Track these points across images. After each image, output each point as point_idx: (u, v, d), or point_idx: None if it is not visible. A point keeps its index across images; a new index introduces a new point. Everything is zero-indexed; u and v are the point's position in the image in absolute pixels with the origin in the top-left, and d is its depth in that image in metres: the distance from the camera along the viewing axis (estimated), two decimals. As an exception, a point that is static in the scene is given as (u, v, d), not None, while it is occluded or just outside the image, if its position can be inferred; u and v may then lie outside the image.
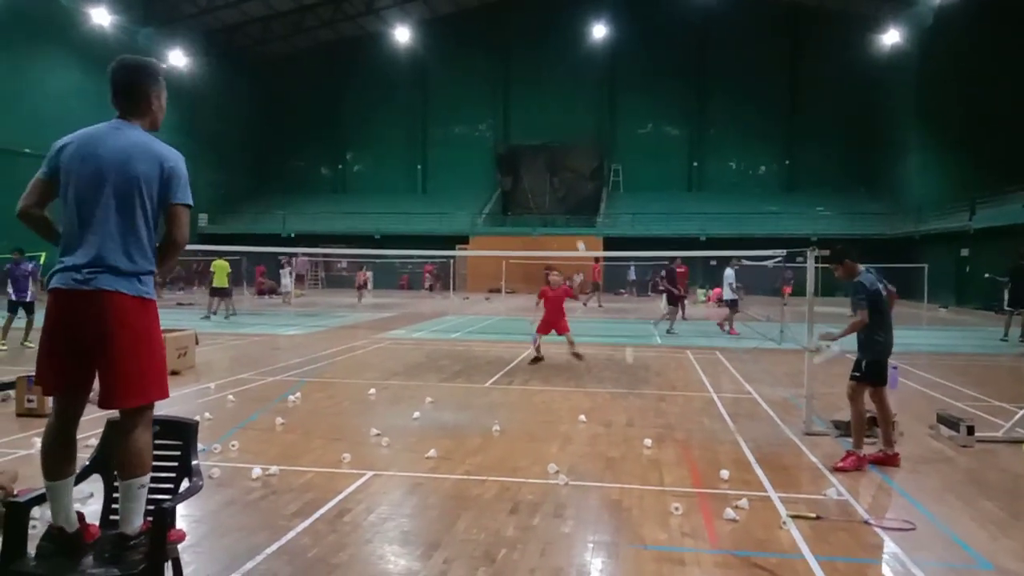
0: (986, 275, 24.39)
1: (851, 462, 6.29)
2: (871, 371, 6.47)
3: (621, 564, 4.30)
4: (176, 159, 3.19)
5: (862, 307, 6.39)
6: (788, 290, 26.22)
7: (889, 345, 6.56)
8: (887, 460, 6.46)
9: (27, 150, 28.48)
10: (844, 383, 7.70)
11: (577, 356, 11.57)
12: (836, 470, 6.21)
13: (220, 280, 20.65)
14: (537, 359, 11.69)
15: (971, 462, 6.66)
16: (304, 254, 35.67)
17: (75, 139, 3.13)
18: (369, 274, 33.88)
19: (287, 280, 29.34)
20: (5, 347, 12.98)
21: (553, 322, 11.62)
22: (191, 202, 3.24)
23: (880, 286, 6.51)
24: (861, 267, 6.64)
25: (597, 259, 32.04)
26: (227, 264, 20.94)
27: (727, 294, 18.68)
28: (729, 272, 18.65)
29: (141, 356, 3.02)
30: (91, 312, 2.96)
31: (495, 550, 4.43)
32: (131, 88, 3.22)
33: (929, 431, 7.73)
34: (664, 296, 19.85)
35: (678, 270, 23.22)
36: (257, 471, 5.76)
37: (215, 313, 20.79)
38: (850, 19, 41.11)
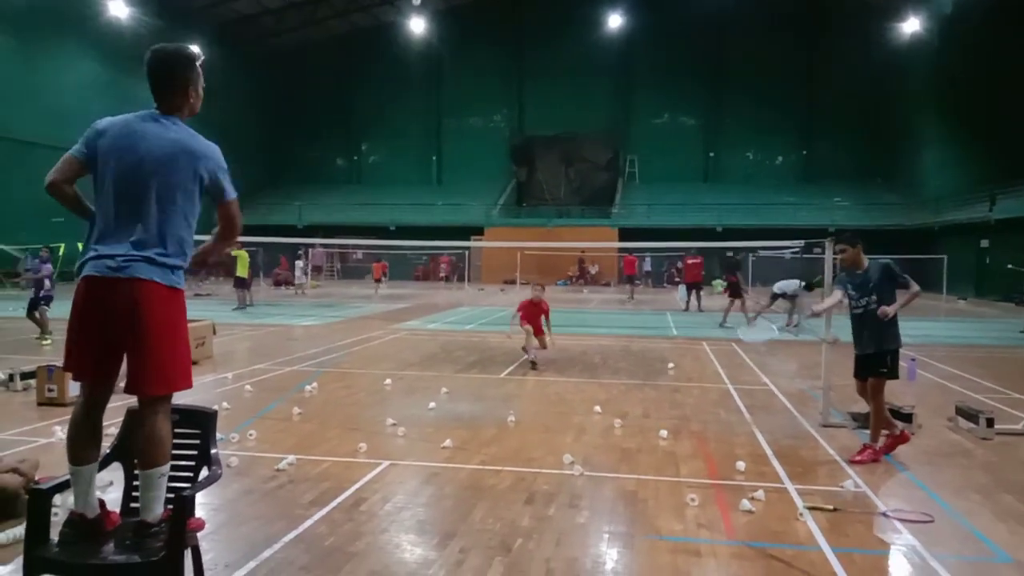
0: (1008, 266, 24.12)
1: (867, 455, 6.25)
2: (896, 364, 6.38)
3: (636, 555, 4.30)
4: (216, 157, 3.24)
5: (910, 279, 6.27)
6: None
7: None
8: (898, 441, 6.40)
9: (45, 142, 28.74)
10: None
11: (533, 364, 11.21)
12: (852, 463, 6.17)
13: (242, 270, 20.89)
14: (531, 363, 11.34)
15: (990, 455, 6.59)
16: (320, 245, 35.79)
17: (115, 127, 3.14)
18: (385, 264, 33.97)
19: (300, 272, 29.60)
20: (48, 342, 13.02)
21: (533, 324, 11.43)
22: (235, 196, 3.34)
23: None
24: (867, 260, 6.52)
25: (631, 252, 31.65)
26: (247, 255, 21.15)
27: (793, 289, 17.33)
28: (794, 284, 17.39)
29: (170, 345, 3.07)
30: (124, 299, 2.99)
31: (511, 540, 4.44)
32: (168, 80, 3.21)
33: (948, 423, 7.66)
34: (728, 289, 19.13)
35: (690, 261, 23.13)
36: (284, 464, 5.80)
37: (250, 304, 21.09)
38: (867, 8, 40.67)
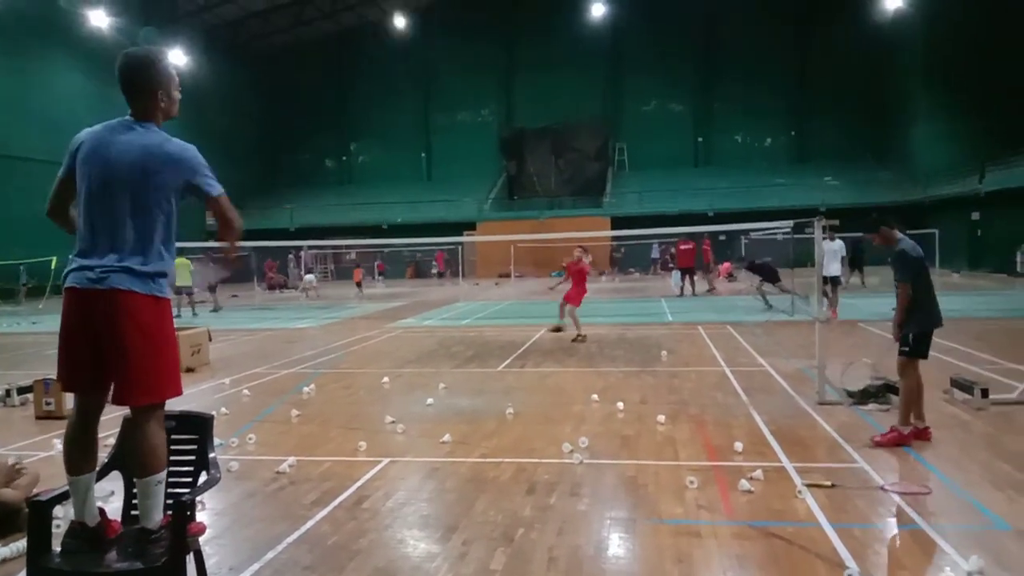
0: None
1: (891, 438, 5.99)
2: (919, 344, 6.13)
3: (638, 539, 4.33)
4: (190, 158, 3.15)
5: (905, 280, 6.04)
6: None
7: (937, 315, 6.21)
8: (920, 435, 6.14)
9: (38, 157, 28.60)
10: (857, 353, 7.71)
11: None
12: (876, 445, 5.95)
13: (183, 278, 20.26)
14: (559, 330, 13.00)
15: (986, 425, 6.64)
16: (311, 247, 35.49)
17: (89, 137, 3.13)
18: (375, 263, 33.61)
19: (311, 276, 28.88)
20: None
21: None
22: (221, 190, 3.21)
23: (921, 251, 6.18)
24: (899, 233, 6.23)
25: (706, 239, 29.66)
26: (188, 262, 20.61)
27: (834, 270, 15.67)
28: (838, 244, 16.10)
29: (154, 354, 3.05)
30: (105, 310, 2.99)
31: (513, 530, 4.47)
32: (135, 85, 3.17)
33: (943, 395, 7.69)
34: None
35: (684, 247, 23.17)
36: (284, 466, 5.81)
37: (194, 313, 20.90)
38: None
